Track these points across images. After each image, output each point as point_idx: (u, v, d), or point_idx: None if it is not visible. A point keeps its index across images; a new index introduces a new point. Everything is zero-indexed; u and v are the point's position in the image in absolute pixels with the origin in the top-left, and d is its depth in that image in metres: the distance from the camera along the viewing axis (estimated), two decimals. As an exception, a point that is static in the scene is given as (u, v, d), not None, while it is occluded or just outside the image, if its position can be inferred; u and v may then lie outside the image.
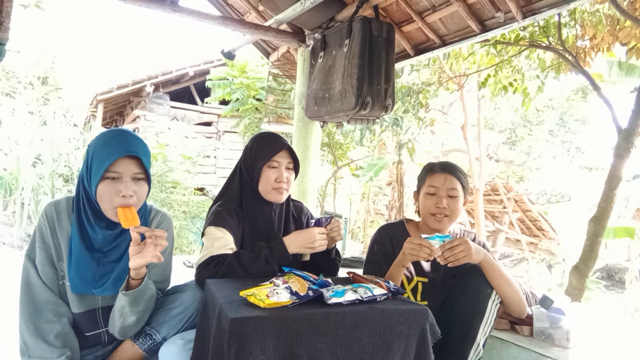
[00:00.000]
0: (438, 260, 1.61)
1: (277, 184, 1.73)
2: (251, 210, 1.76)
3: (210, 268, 1.52)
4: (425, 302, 1.74)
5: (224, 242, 1.62)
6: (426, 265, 1.83)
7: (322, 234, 1.61)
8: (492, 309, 1.59)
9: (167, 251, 1.56)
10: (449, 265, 1.57)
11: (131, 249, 1.32)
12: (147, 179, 1.45)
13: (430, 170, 1.83)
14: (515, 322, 2.02)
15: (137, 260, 1.31)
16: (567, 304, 1.97)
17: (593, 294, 7.57)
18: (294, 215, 1.92)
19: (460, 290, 1.63)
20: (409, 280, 1.82)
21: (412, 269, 1.82)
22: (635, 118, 4.19)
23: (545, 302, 1.95)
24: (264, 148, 1.76)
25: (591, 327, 2.03)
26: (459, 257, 1.54)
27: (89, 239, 1.43)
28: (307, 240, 1.60)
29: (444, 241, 1.60)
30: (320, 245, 1.61)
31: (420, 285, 1.81)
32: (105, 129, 1.61)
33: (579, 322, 1.88)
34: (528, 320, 1.99)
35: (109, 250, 1.45)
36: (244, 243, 1.73)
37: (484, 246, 1.77)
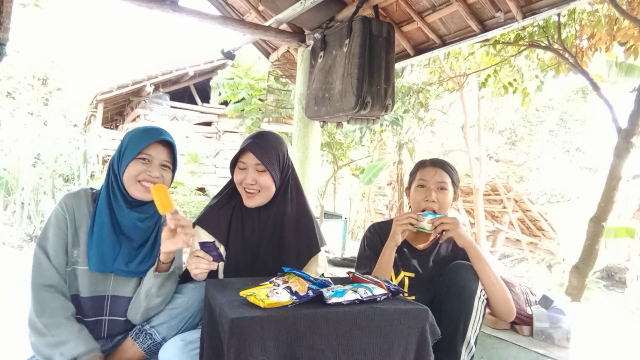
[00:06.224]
0: (428, 228, 1.67)
1: (247, 185, 1.64)
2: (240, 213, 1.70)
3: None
4: (413, 297, 1.74)
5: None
6: (414, 261, 1.85)
7: (197, 255, 1.42)
8: (479, 305, 1.60)
9: None
10: (438, 232, 1.66)
11: (164, 234, 1.41)
12: (173, 170, 1.59)
13: (421, 165, 1.89)
14: (515, 322, 2.02)
15: (169, 245, 1.40)
16: (567, 304, 1.98)
17: (593, 294, 7.56)
18: (297, 228, 1.75)
19: (444, 290, 1.64)
20: (396, 274, 1.83)
21: (399, 263, 1.83)
22: (635, 118, 4.19)
23: (545, 302, 1.95)
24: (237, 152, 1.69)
25: (591, 327, 2.03)
26: (445, 227, 1.64)
27: (116, 222, 1.51)
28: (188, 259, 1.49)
29: (435, 217, 1.67)
30: (189, 264, 1.43)
31: (407, 280, 1.82)
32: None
33: (579, 322, 1.89)
34: (528, 320, 1.99)
35: (134, 235, 1.52)
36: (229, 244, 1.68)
37: None
